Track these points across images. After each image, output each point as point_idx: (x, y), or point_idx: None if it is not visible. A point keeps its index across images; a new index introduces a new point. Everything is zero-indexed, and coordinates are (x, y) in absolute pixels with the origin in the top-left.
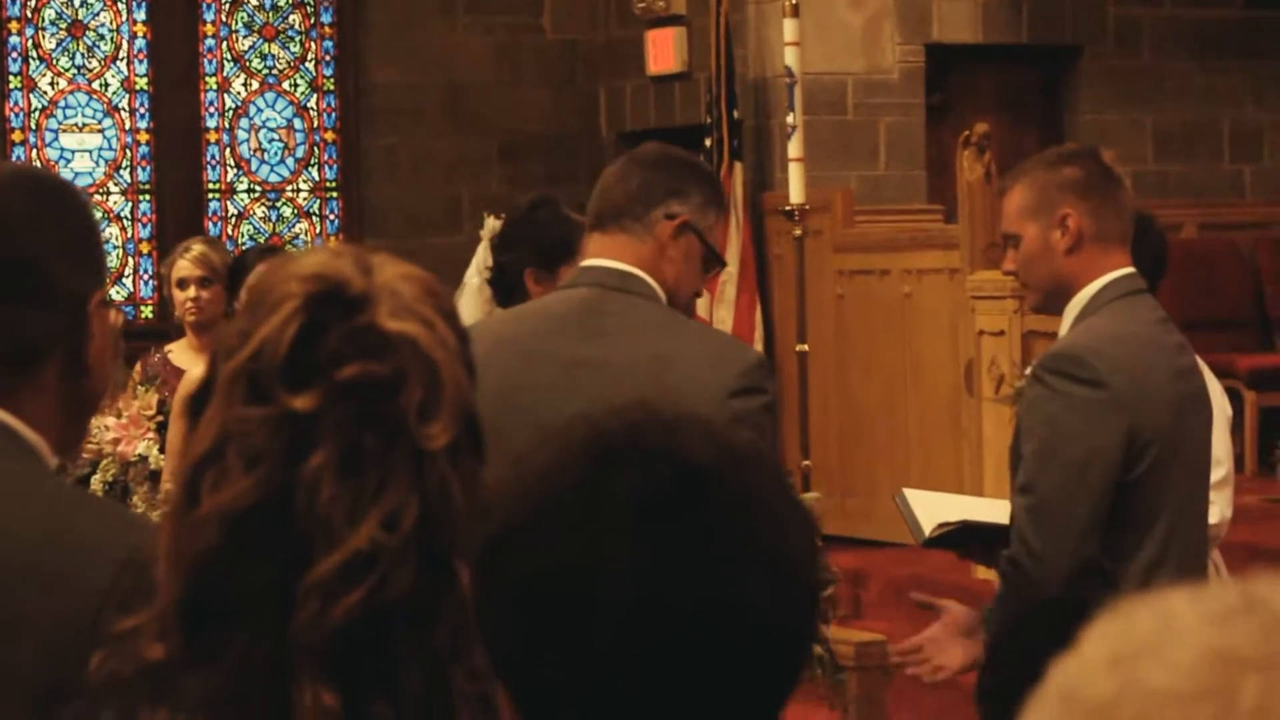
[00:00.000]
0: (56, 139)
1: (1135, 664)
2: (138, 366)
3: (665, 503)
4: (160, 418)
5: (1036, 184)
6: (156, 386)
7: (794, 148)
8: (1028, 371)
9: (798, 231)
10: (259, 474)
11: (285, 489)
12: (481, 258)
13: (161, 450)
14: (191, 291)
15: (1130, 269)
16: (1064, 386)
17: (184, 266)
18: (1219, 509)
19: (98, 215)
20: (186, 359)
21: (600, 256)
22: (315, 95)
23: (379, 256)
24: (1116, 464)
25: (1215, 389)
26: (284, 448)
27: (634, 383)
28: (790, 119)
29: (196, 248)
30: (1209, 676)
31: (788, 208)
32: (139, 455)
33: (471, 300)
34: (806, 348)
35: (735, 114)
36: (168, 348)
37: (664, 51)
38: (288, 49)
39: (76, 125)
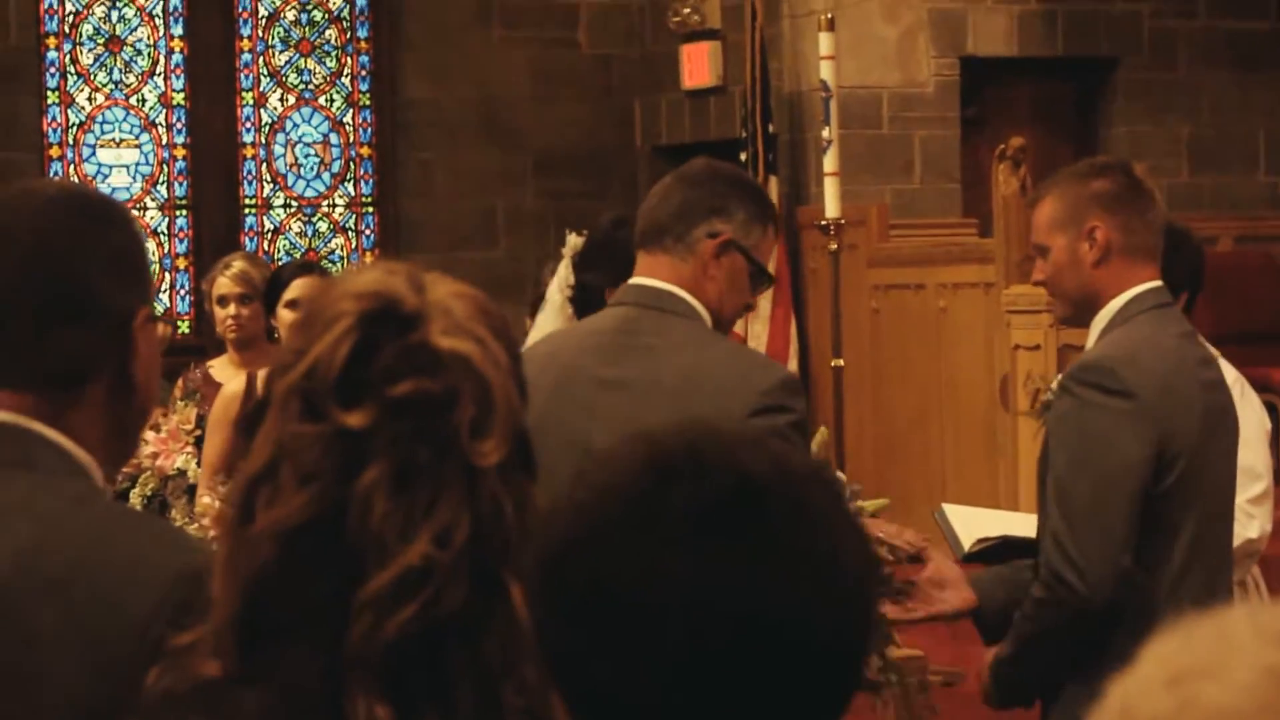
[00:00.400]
0: (94, 154)
1: (1194, 683)
2: (179, 382)
3: (722, 516)
4: (199, 432)
5: (1066, 196)
6: (196, 401)
7: (829, 162)
8: (1055, 384)
9: (833, 246)
10: (313, 491)
11: (339, 506)
12: (564, 275)
13: (199, 464)
14: (232, 309)
15: (1158, 282)
16: (1094, 398)
17: (224, 283)
18: (1259, 523)
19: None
20: (227, 374)
21: (644, 275)
22: (351, 110)
23: (431, 275)
24: (1148, 475)
25: (1254, 402)
26: (337, 464)
27: (659, 402)
28: (826, 133)
29: (237, 264)
30: (1267, 695)
31: (823, 222)
32: (177, 469)
33: (553, 317)
34: (842, 362)
35: (770, 128)
36: (209, 363)
37: (699, 66)
38: (324, 64)
39: (114, 140)
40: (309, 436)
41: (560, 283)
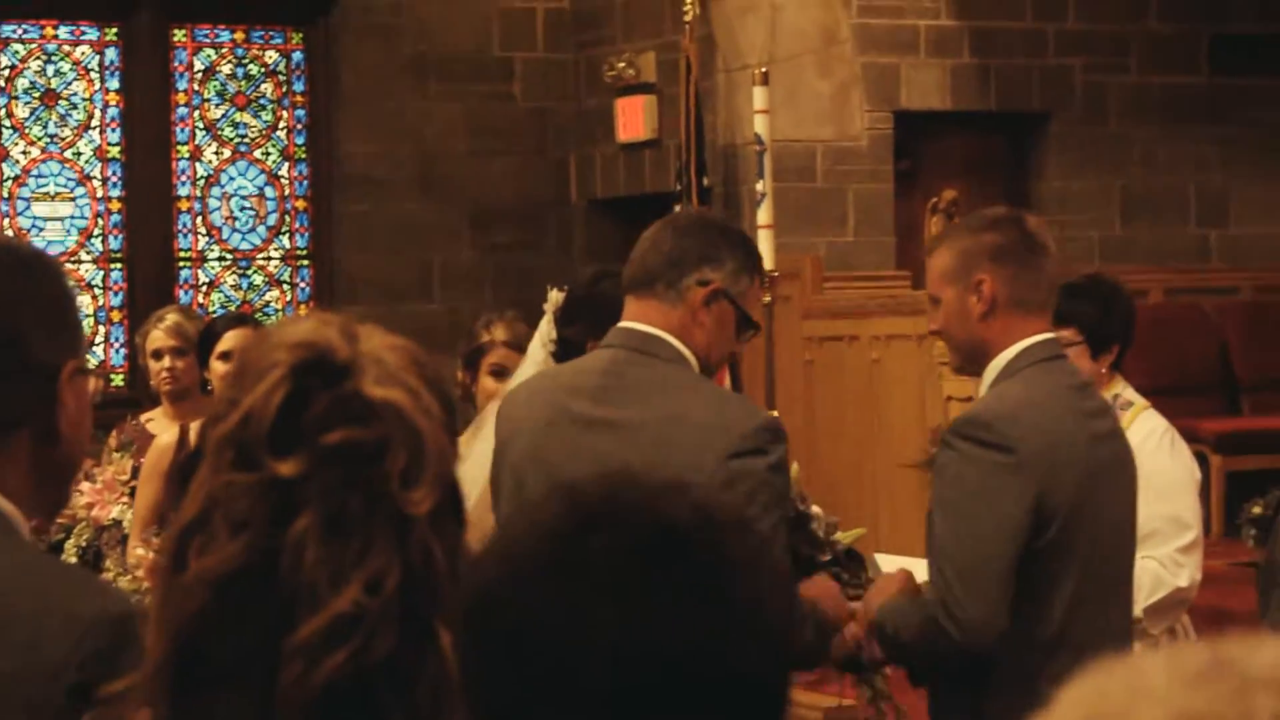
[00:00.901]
0: (29, 207)
1: None
2: (114, 433)
3: (642, 563)
4: (134, 483)
5: (957, 248)
6: (131, 453)
7: (763, 215)
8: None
9: (767, 298)
10: (245, 539)
11: (271, 554)
12: (545, 330)
13: (135, 516)
14: (166, 361)
15: (1048, 334)
16: (973, 452)
17: (158, 337)
18: (1188, 572)
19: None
20: (162, 427)
21: (632, 319)
22: (287, 164)
23: (365, 326)
24: (1025, 530)
25: (1184, 453)
26: (269, 513)
27: (643, 443)
28: (760, 186)
29: (170, 318)
30: None
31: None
32: (113, 520)
33: (532, 371)
34: (775, 413)
35: (705, 181)
36: (144, 415)
37: (634, 119)
38: (260, 118)
39: (49, 194)
40: (241, 485)
41: (543, 338)
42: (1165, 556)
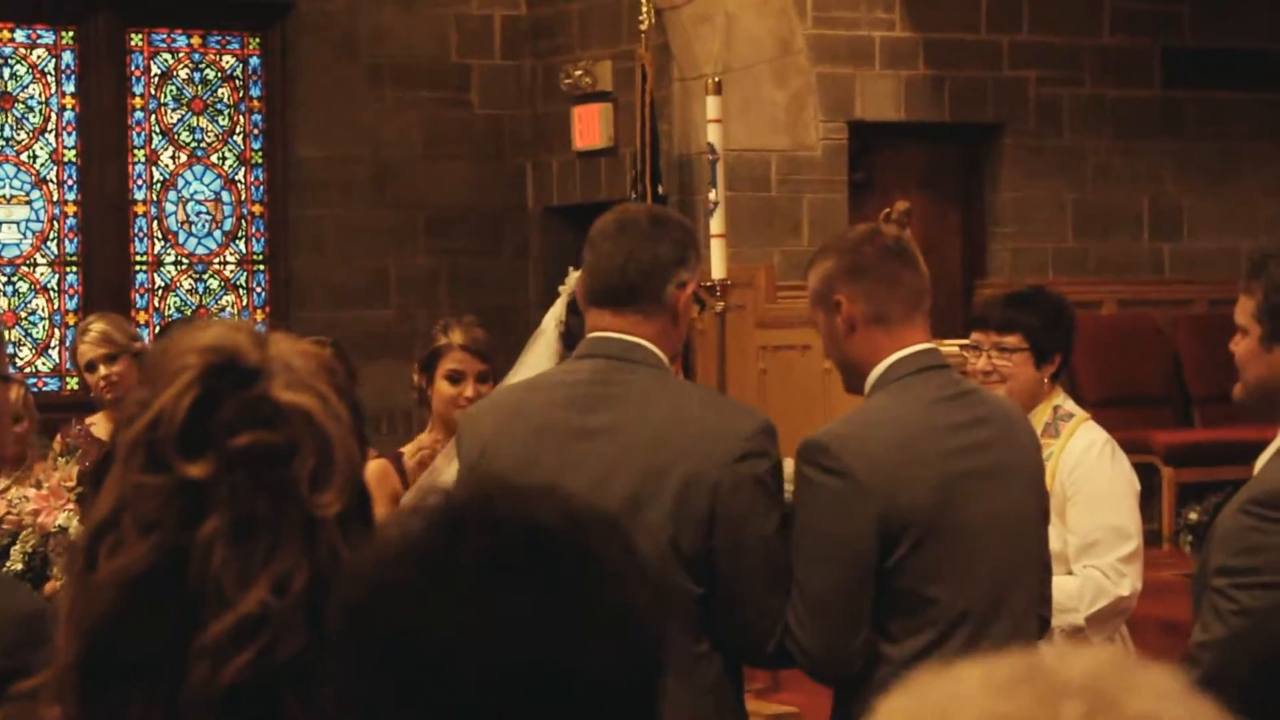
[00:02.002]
0: None
1: None
2: (58, 438)
3: (511, 567)
4: (80, 489)
5: (819, 272)
6: (77, 458)
7: (715, 224)
8: None
9: (719, 307)
10: (154, 540)
11: (180, 554)
12: (559, 310)
13: (82, 521)
14: (101, 370)
15: (919, 346)
16: (812, 475)
17: (87, 349)
18: (1130, 581)
19: (25, 287)
20: (106, 430)
21: (609, 330)
22: (243, 168)
23: (275, 333)
24: (869, 550)
25: (1123, 463)
26: (179, 514)
27: (642, 447)
28: (712, 195)
29: (95, 327)
30: None
31: (708, 283)
32: (59, 526)
33: (546, 348)
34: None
35: (660, 189)
36: (89, 419)
37: (590, 127)
38: (216, 122)
39: (4, 197)
40: (151, 487)
41: (555, 316)
42: (1107, 566)
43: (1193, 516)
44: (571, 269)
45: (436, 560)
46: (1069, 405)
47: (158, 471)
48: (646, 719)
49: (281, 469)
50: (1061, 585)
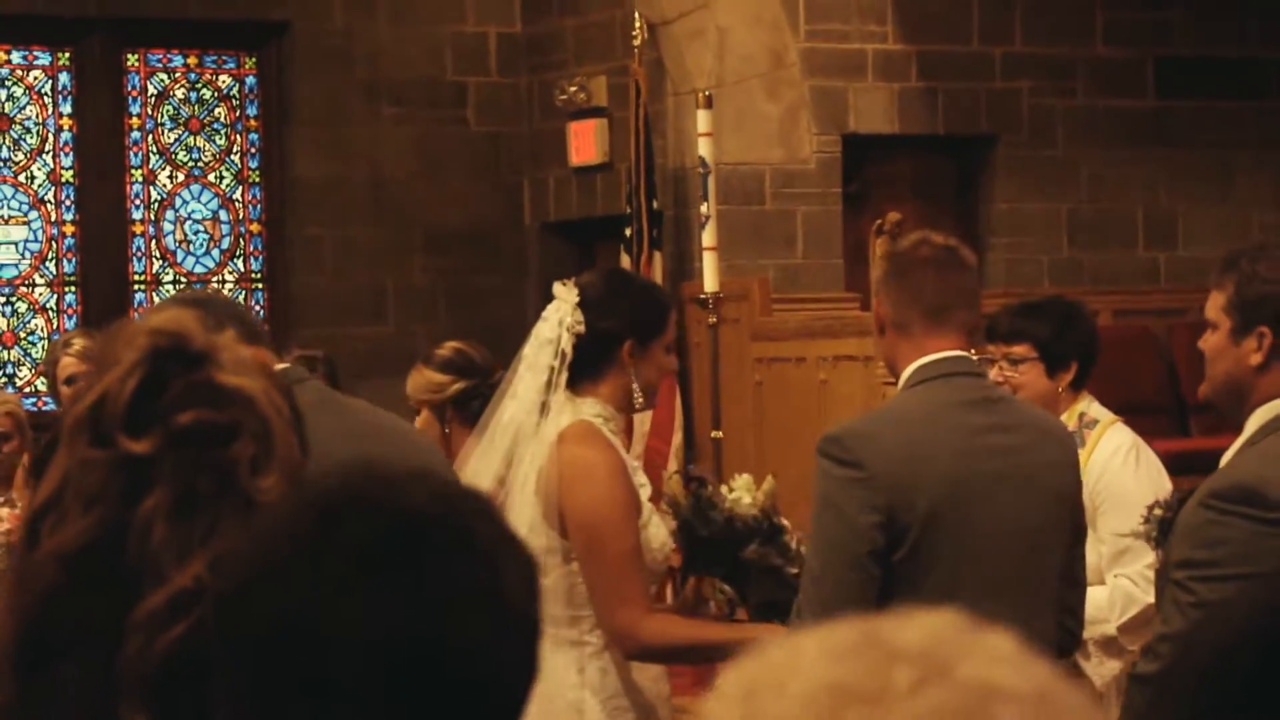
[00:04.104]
0: None
1: (758, 695)
2: (25, 455)
3: (384, 551)
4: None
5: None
6: None
7: (708, 237)
8: None
9: (712, 319)
10: (96, 515)
11: (120, 530)
12: (569, 319)
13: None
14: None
15: (949, 353)
16: (827, 467)
17: (69, 363)
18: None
19: (23, 308)
20: None
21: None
22: (240, 187)
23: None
24: (874, 543)
25: (1152, 468)
26: (121, 490)
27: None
28: (704, 209)
29: (77, 343)
30: (817, 708)
31: (702, 296)
32: None
33: (540, 376)
34: (721, 434)
35: (655, 204)
36: None
37: (586, 143)
38: (213, 142)
39: (2, 218)
40: (94, 462)
41: (564, 324)
42: (1136, 574)
43: (1158, 512)
44: (561, 282)
45: (310, 550)
46: (1094, 411)
47: (101, 448)
48: (524, 692)
49: (223, 449)
50: (1092, 597)
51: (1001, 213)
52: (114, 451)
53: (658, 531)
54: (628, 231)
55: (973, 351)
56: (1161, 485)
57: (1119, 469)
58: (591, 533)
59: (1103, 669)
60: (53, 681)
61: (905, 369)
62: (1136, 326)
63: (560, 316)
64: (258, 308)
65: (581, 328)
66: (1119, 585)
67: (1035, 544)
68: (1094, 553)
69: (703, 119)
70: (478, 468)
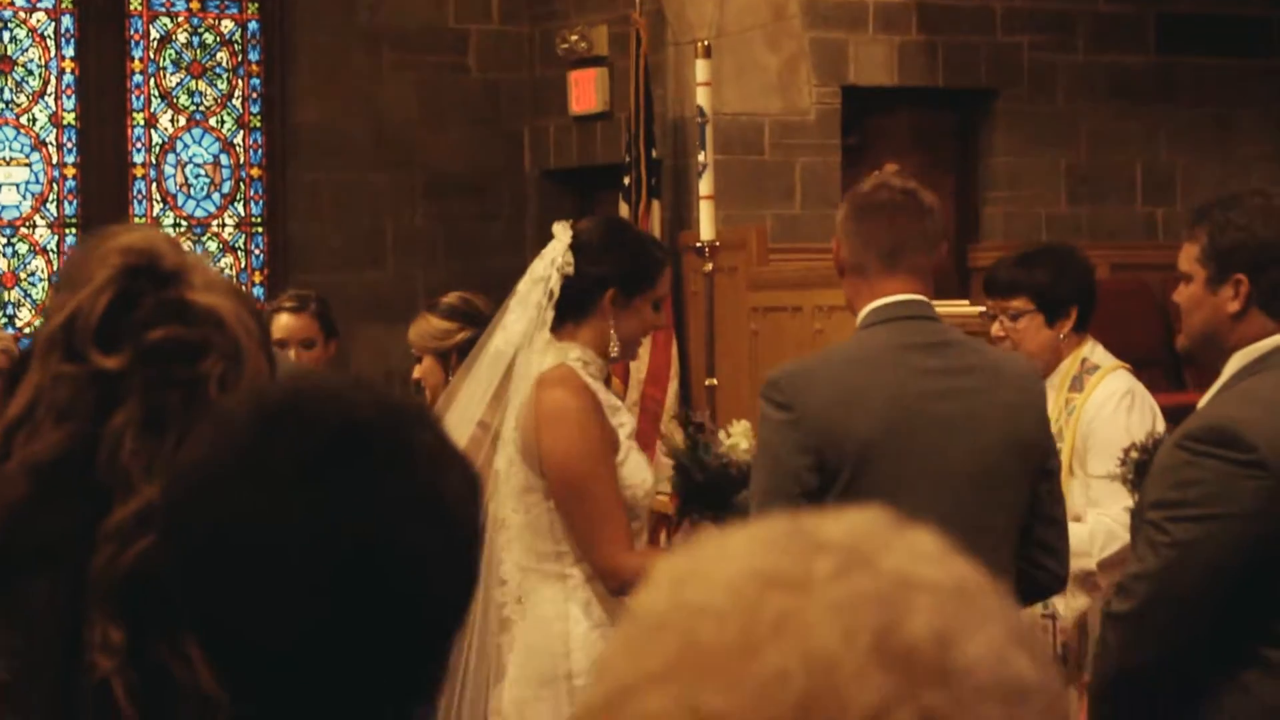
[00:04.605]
0: None
1: (687, 583)
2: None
3: (326, 458)
4: None
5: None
6: None
7: (705, 186)
8: None
9: (708, 268)
10: (68, 428)
11: (91, 443)
12: (561, 259)
13: None
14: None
15: (901, 296)
16: (765, 410)
17: None
18: None
19: (24, 249)
20: None
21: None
22: (242, 132)
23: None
24: (807, 484)
25: (1146, 413)
26: (92, 404)
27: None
28: (702, 158)
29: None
30: (741, 593)
31: (698, 245)
32: None
33: (529, 311)
34: (715, 382)
35: (654, 153)
36: None
37: (586, 91)
38: (215, 86)
39: (4, 159)
40: (66, 376)
41: (556, 263)
42: (1118, 512)
43: (1134, 455)
44: (559, 223)
45: (254, 455)
46: (1097, 356)
47: (74, 363)
48: (465, 597)
49: (193, 366)
50: (1073, 531)
51: (1000, 166)
52: (86, 367)
53: (636, 468)
54: (626, 180)
55: (930, 296)
56: (1153, 430)
57: (1110, 414)
58: (567, 475)
59: (1075, 602)
60: (24, 593)
61: (860, 313)
62: (1134, 280)
63: (553, 255)
64: (257, 252)
65: (570, 269)
66: (1100, 521)
67: (984, 485)
68: (1083, 495)
69: (702, 69)
70: (464, 396)
